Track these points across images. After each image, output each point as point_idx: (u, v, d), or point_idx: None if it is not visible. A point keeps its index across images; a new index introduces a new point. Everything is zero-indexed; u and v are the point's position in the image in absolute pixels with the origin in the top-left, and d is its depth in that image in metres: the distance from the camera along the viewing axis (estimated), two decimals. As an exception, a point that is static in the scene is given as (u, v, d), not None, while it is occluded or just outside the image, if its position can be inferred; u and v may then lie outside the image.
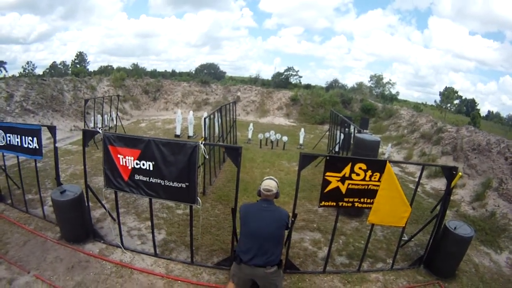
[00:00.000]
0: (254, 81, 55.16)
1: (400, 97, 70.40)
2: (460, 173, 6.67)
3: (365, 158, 6.40)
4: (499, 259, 8.31)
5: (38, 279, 6.10)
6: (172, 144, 5.94)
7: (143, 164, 6.09)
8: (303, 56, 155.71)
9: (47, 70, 72.16)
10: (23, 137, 7.51)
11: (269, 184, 4.96)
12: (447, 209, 7.22)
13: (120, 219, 7.32)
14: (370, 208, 6.36)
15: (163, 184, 6.11)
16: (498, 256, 8.43)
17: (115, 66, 70.60)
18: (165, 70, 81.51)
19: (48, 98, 20.20)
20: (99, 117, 18.40)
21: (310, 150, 18.39)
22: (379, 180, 6.09)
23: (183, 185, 6.02)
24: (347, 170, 5.95)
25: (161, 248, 7.40)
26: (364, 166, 5.97)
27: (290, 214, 5.53)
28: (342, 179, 6.02)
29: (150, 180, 6.17)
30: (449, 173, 6.65)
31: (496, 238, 9.03)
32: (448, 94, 75.09)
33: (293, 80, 71.32)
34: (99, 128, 8.38)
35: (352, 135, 12.43)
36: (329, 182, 6.03)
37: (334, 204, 6.27)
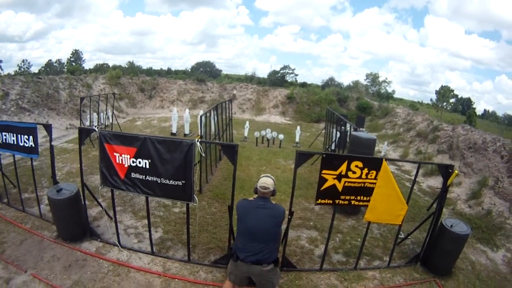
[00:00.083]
0: (250, 79, 55.16)
1: (396, 95, 70.56)
2: (456, 171, 6.68)
3: (361, 156, 6.39)
4: (496, 257, 8.34)
5: (35, 278, 6.10)
6: (168, 142, 5.94)
7: (139, 162, 6.08)
8: (299, 55, 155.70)
9: (43, 69, 71.97)
10: (19, 135, 7.50)
11: (266, 181, 4.96)
12: (444, 207, 7.22)
13: (117, 217, 7.34)
14: (367, 206, 6.37)
15: (159, 182, 6.11)
16: (495, 254, 8.45)
17: (110, 64, 70.39)
18: (161, 68, 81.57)
19: (43, 97, 20.17)
20: (95, 115, 18.38)
21: (306, 148, 18.48)
22: (375, 178, 6.10)
23: (180, 183, 6.02)
24: (343, 168, 5.95)
25: (158, 246, 7.39)
26: (360, 164, 5.97)
27: (287, 213, 5.55)
28: (339, 177, 6.02)
29: (147, 178, 6.17)
30: (445, 171, 6.67)
31: (492, 236, 9.05)
32: (444, 92, 75.18)
33: (289, 78, 71.36)
34: (95, 126, 8.38)
35: (348, 133, 12.44)
36: (325, 180, 6.03)
37: (331, 202, 6.27)
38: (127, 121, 24.60)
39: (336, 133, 14.86)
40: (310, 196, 10.34)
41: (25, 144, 7.48)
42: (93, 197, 7.64)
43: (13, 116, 16.94)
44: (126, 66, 66.16)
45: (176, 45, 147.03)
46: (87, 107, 18.96)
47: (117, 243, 7.22)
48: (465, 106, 78.23)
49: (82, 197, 7.25)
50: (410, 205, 6.81)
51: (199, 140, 5.90)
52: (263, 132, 18.45)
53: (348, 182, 6.08)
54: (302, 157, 5.96)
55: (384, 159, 6.05)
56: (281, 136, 18.32)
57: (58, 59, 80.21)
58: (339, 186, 6.09)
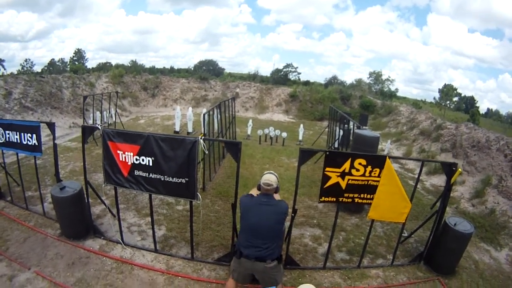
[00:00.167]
0: (253, 77, 55.06)
1: (399, 94, 70.50)
2: (459, 169, 6.65)
3: (365, 153, 6.37)
4: (499, 256, 8.31)
5: (38, 275, 6.11)
6: (171, 140, 5.94)
7: (143, 160, 6.09)
8: (302, 53, 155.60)
9: (46, 68, 72.25)
10: (22, 134, 7.51)
11: (269, 178, 4.96)
12: (447, 205, 7.20)
13: (120, 215, 7.33)
14: (370, 204, 6.35)
15: (162, 179, 6.11)
16: (498, 253, 8.42)
17: (113, 63, 70.54)
18: (164, 67, 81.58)
19: (46, 95, 20.16)
20: (98, 113, 18.36)
21: (310, 146, 18.37)
22: (379, 176, 6.08)
23: (183, 181, 6.02)
24: (347, 165, 5.93)
25: (161, 244, 7.40)
26: (364, 162, 5.95)
27: (290, 210, 5.54)
28: (342, 175, 6.00)
29: (150, 176, 6.17)
30: (449, 169, 6.64)
31: (496, 235, 9.02)
32: (447, 91, 74.98)
33: (292, 76, 71.36)
34: (98, 125, 8.42)
35: (352, 131, 12.41)
36: (329, 178, 6.01)
37: (334, 199, 6.26)
38: (130, 120, 24.60)
39: (339, 131, 14.82)
40: (314, 194, 10.32)
41: (28, 142, 7.49)
42: (97, 195, 7.64)
43: (16, 115, 16.95)
44: (129, 65, 66.12)
45: (178, 44, 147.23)
46: (90, 105, 18.99)
47: (121, 240, 7.23)
48: (468, 104, 78.09)
49: (85, 195, 7.26)
50: (414, 204, 6.81)
51: (203, 137, 5.90)
52: (266, 130, 18.45)
53: (352, 179, 6.06)
54: (305, 155, 5.95)
55: (387, 157, 6.02)
56: (284, 134, 18.34)
57: (61, 58, 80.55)
58: (343, 184, 6.07)
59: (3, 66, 70.24)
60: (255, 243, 4.73)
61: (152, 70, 59.46)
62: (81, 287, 5.94)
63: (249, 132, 19.62)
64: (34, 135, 7.39)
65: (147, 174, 6.18)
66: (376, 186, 6.15)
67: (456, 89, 76.93)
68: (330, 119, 18.29)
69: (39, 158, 8.73)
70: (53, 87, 21.40)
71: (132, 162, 6.18)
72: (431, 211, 8.36)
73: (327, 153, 6.00)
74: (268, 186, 4.91)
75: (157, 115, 26.83)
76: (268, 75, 69.04)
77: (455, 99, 78.09)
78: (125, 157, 6.20)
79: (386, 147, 17.60)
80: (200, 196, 6.21)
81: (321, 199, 6.23)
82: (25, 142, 7.53)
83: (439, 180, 13.09)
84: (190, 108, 20.49)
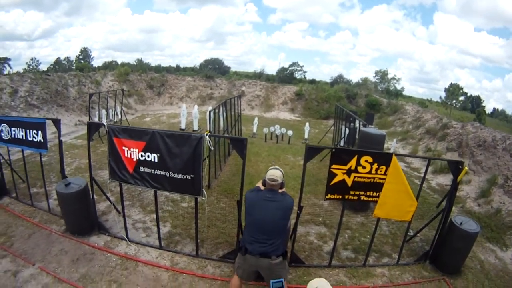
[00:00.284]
0: (259, 76, 54.80)
1: (404, 93, 70.03)
2: (466, 168, 6.60)
3: (371, 150, 6.34)
4: (505, 257, 8.25)
5: (42, 271, 6.12)
6: (177, 136, 5.93)
7: (148, 156, 6.08)
8: (308, 51, 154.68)
9: (52, 66, 72.24)
10: (28, 130, 7.53)
11: (274, 173, 4.91)
12: (453, 204, 7.16)
13: (125, 212, 7.35)
14: (376, 202, 6.31)
15: (168, 176, 6.11)
16: (504, 254, 8.36)
17: (119, 62, 70.52)
18: (170, 65, 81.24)
19: (52, 93, 20.25)
20: (103, 111, 18.38)
21: (316, 145, 18.32)
22: (385, 174, 6.04)
23: (188, 177, 6.00)
24: (353, 162, 5.90)
25: (166, 240, 7.40)
26: (370, 159, 5.92)
27: (295, 208, 5.52)
28: (348, 172, 5.97)
29: (155, 172, 6.17)
30: (455, 167, 6.59)
31: (502, 236, 8.97)
32: (453, 90, 74.72)
33: (297, 75, 70.92)
34: (104, 121, 8.49)
35: (358, 129, 12.36)
36: (335, 175, 5.99)
37: (340, 197, 6.23)
38: (136, 118, 24.66)
39: (345, 130, 14.79)
40: (319, 192, 10.30)
41: (34, 139, 7.50)
42: (102, 191, 7.65)
43: (22, 112, 17.01)
44: (135, 63, 66.12)
45: (184, 43, 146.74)
46: (96, 103, 19.04)
47: (125, 237, 7.23)
48: (474, 104, 77.70)
49: (90, 192, 7.26)
50: (419, 203, 6.78)
51: (208, 134, 5.89)
52: (272, 128, 18.44)
53: (358, 177, 6.03)
54: (311, 152, 5.93)
55: (394, 154, 5.98)
56: (290, 133, 18.32)
57: (67, 57, 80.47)
58: (349, 181, 6.04)
59: (9, 65, 70.39)
60: (259, 239, 4.70)
61: (158, 69, 59.35)
62: (85, 283, 5.94)
63: (254, 130, 19.62)
64: (40, 132, 7.39)
65: (153, 170, 6.17)
66: (382, 184, 6.11)
67: (462, 89, 76.67)
68: (336, 117, 18.27)
69: (44, 155, 8.74)
70: (59, 85, 21.50)
71: (137, 158, 6.18)
72: (437, 210, 8.29)
73: (333, 150, 5.98)
74: (273, 181, 4.86)
75: (163, 113, 26.90)
76: (274, 73, 68.67)
77: (461, 98, 77.80)
78: (130, 154, 6.20)
79: (392, 146, 17.52)
80: (205, 193, 6.19)
81: (327, 197, 6.20)
82: (30, 139, 7.55)
83: (445, 179, 13.04)
84: (196, 106, 20.53)
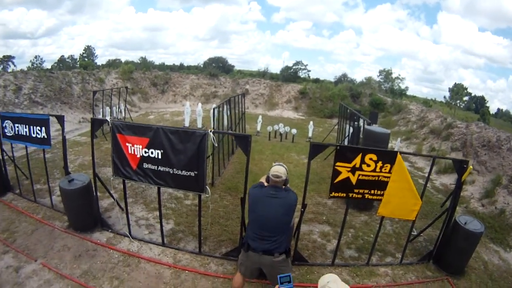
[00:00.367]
0: (263, 74, 54.85)
1: (409, 92, 69.85)
2: (470, 167, 6.59)
3: (375, 148, 6.31)
4: (509, 257, 8.21)
5: (44, 267, 6.13)
6: (181, 132, 5.91)
7: (152, 153, 6.08)
8: (312, 51, 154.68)
9: (55, 64, 72.36)
10: (32, 127, 7.56)
11: (278, 170, 4.85)
12: (457, 204, 7.13)
13: (128, 208, 7.33)
14: (380, 200, 6.29)
15: (171, 172, 6.10)
16: (508, 254, 8.32)
17: (123, 60, 70.54)
18: (174, 64, 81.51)
19: (56, 91, 20.29)
20: (107, 109, 18.40)
21: (319, 144, 18.30)
22: (389, 172, 6.02)
23: (192, 174, 6.00)
24: (357, 160, 5.87)
25: (169, 238, 7.39)
26: (374, 157, 5.89)
27: (299, 206, 5.49)
28: (353, 170, 5.94)
29: (159, 169, 6.16)
30: (460, 166, 6.55)
31: (506, 236, 8.93)
32: (458, 90, 74.47)
33: (301, 74, 70.73)
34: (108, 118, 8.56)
35: (362, 128, 12.32)
36: (339, 173, 5.96)
37: (344, 195, 6.20)
38: (139, 115, 24.71)
39: (349, 129, 14.75)
40: (323, 190, 10.30)
41: (37, 135, 7.53)
42: (105, 187, 7.68)
43: (26, 109, 17.03)
44: (139, 62, 66.26)
45: (188, 41, 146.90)
46: (100, 101, 19.01)
47: (128, 234, 7.24)
48: (478, 104, 77.52)
49: (93, 188, 7.26)
50: (423, 202, 6.71)
51: (212, 130, 5.87)
52: (276, 127, 18.44)
53: (362, 175, 6.00)
54: (316, 149, 5.90)
55: (398, 153, 5.95)
56: (294, 131, 18.30)
57: (71, 55, 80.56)
58: (353, 179, 6.02)
59: (13, 63, 70.80)
60: (262, 235, 4.67)
61: (162, 67, 59.59)
62: (87, 279, 5.94)
63: (258, 129, 19.58)
64: (43, 128, 7.42)
65: (156, 167, 6.17)
66: (387, 182, 6.08)
67: (466, 89, 76.32)
68: (340, 116, 18.21)
69: (48, 152, 8.77)
70: (63, 82, 21.55)
71: (141, 154, 6.17)
72: (441, 209, 8.25)
73: (338, 147, 5.96)
74: (277, 178, 4.80)
75: (167, 111, 26.92)
76: (278, 72, 68.60)
77: (465, 98, 77.52)
78: (134, 150, 6.19)
79: (396, 145, 17.45)
80: (209, 190, 6.20)
81: (331, 195, 6.18)
82: (34, 135, 7.57)
83: (449, 179, 13.01)
84: (200, 104, 20.52)
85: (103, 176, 8.64)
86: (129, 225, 7.27)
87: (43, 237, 7.11)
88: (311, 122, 19.99)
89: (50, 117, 7.46)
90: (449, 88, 78.29)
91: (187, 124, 19.55)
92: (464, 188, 11.38)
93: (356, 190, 6.15)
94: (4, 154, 8.89)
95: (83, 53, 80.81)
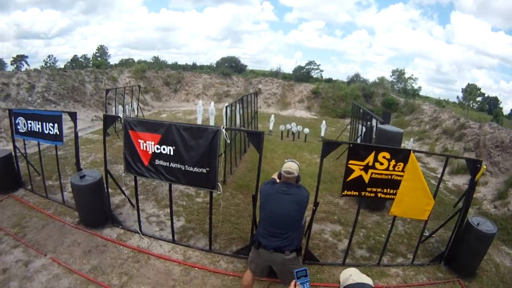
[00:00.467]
0: (275, 74, 54.66)
1: (421, 93, 69.29)
2: (484, 167, 6.51)
3: (389, 146, 6.24)
4: (521, 260, 8.10)
5: (54, 261, 6.17)
6: (193, 129, 5.91)
7: (164, 149, 6.10)
8: (324, 51, 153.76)
9: (69, 64, 72.76)
10: (44, 123, 7.64)
11: (291, 166, 4.81)
12: (470, 205, 7.04)
13: (139, 205, 7.34)
14: (393, 200, 6.23)
15: (183, 169, 6.10)
16: (520, 257, 8.21)
17: (136, 59, 70.82)
18: (186, 63, 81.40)
19: (69, 89, 20.40)
20: (120, 107, 18.51)
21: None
22: (402, 171, 5.96)
23: (204, 170, 6.00)
24: (370, 158, 5.83)
25: (179, 235, 7.40)
26: (387, 155, 5.83)
27: (311, 205, 5.46)
28: (365, 168, 5.90)
29: (170, 165, 6.17)
30: (473, 166, 6.48)
31: (518, 239, 8.81)
32: (471, 91, 73.88)
33: (314, 74, 70.44)
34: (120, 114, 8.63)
35: (374, 128, 12.24)
36: (352, 171, 5.91)
37: (357, 193, 6.15)
38: (152, 114, 24.82)
39: (361, 128, 14.67)
40: (335, 190, 10.28)
41: (50, 131, 7.60)
42: (116, 184, 7.70)
43: (39, 107, 17.08)
44: (152, 61, 66.48)
45: (200, 41, 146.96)
46: (113, 99, 19.11)
47: (139, 230, 7.25)
48: (491, 105, 76.69)
49: (105, 184, 7.28)
50: (436, 203, 6.64)
51: (225, 127, 5.85)
52: (288, 126, 18.46)
53: (375, 173, 5.95)
54: (328, 147, 5.87)
55: (412, 151, 5.89)
56: (306, 130, 18.28)
57: (84, 55, 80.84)
58: (366, 178, 5.97)
59: (26, 62, 71.41)
60: (273, 232, 4.64)
61: (175, 66, 59.51)
62: (96, 275, 5.96)
63: (271, 128, 19.58)
64: (56, 125, 7.49)
65: (168, 163, 6.18)
66: (400, 181, 6.02)
67: (479, 89, 75.69)
68: (353, 116, 18.16)
69: (60, 149, 8.81)
70: (76, 81, 21.68)
71: (153, 151, 6.20)
72: (453, 210, 8.17)
73: (351, 145, 5.91)
74: (289, 174, 4.76)
75: (179, 110, 27.04)
76: (291, 72, 68.36)
77: (479, 99, 76.80)
78: (146, 146, 6.21)
79: (408, 145, 17.35)
80: (220, 187, 6.17)
81: (343, 193, 6.13)
82: (46, 132, 7.65)
83: (462, 180, 12.90)
84: (212, 103, 20.51)
85: (115, 173, 8.70)
86: (139, 221, 7.28)
87: (54, 232, 7.15)
88: (324, 122, 19.87)
89: (63, 114, 7.52)
90: (462, 88, 77.73)
91: (199, 122, 19.57)
92: (477, 189, 11.26)
93: (368, 189, 6.10)
94: (17, 150, 8.96)
95: (96, 52, 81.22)
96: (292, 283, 3.19)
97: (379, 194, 6.17)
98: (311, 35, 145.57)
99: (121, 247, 6.83)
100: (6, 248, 6.50)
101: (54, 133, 7.54)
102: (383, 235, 7.89)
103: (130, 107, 19.79)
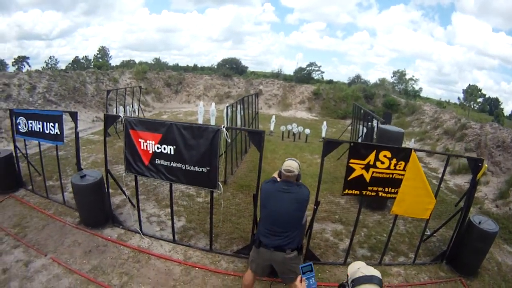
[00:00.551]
0: (276, 76, 54.63)
1: (422, 94, 69.29)
2: (485, 165, 6.51)
3: (390, 145, 6.22)
4: (523, 259, 8.08)
5: (54, 261, 6.18)
6: (194, 128, 5.91)
7: (164, 148, 6.10)
8: (325, 52, 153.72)
9: (70, 65, 72.87)
10: (45, 123, 7.64)
11: (291, 164, 4.79)
12: (471, 204, 7.03)
13: (140, 205, 7.35)
14: (394, 198, 6.21)
15: (183, 168, 6.10)
16: (522, 256, 8.19)
17: (137, 61, 70.88)
18: (187, 65, 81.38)
19: (70, 90, 20.47)
20: (121, 108, 18.55)
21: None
22: (403, 169, 5.94)
23: (204, 170, 6.00)
24: (371, 157, 5.81)
25: (180, 235, 7.40)
26: (388, 154, 5.82)
27: (312, 204, 5.45)
28: (367, 167, 5.88)
29: (171, 165, 6.17)
30: (475, 165, 6.46)
31: (520, 238, 8.79)
32: (472, 91, 73.84)
33: (315, 75, 70.48)
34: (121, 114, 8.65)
35: (375, 129, 12.23)
36: (353, 170, 5.90)
37: (358, 192, 6.13)
38: (153, 115, 24.86)
39: (362, 129, 14.67)
40: (336, 190, 10.26)
41: (50, 131, 7.60)
42: (117, 184, 7.70)
43: (40, 108, 17.12)
44: (153, 62, 66.49)
45: (202, 42, 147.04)
46: (114, 100, 19.16)
47: (139, 230, 7.25)
48: (492, 106, 76.66)
49: (105, 184, 7.29)
50: (437, 202, 6.64)
51: (225, 126, 5.85)
52: (289, 127, 18.47)
53: (376, 172, 5.93)
54: (329, 146, 5.86)
55: (413, 150, 5.87)
56: (307, 131, 18.31)
57: (85, 56, 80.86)
58: (367, 177, 5.95)
59: (28, 64, 71.61)
60: (274, 231, 4.62)
61: (176, 68, 59.56)
62: (96, 275, 5.96)
63: (272, 128, 19.65)
64: (57, 124, 7.49)
65: (168, 162, 6.18)
66: (401, 180, 6.00)
67: (480, 90, 75.64)
68: (354, 116, 18.18)
69: (61, 149, 8.82)
70: (77, 82, 21.74)
71: (153, 150, 6.20)
72: (454, 209, 8.16)
73: (352, 144, 5.89)
74: (289, 172, 4.73)
75: (180, 111, 27.07)
76: (292, 73, 68.39)
77: (479, 100, 76.75)
78: (146, 146, 6.22)
79: (409, 146, 17.30)
80: (221, 186, 6.17)
81: (344, 192, 6.12)
82: (47, 131, 7.64)
83: (463, 180, 12.92)
84: (213, 104, 20.59)
85: (115, 173, 8.70)
86: (140, 221, 7.28)
87: (54, 233, 7.15)
88: (325, 123, 19.96)
89: (64, 114, 7.52)
90: (463, 89, 77.84)
91: (200, 123, 19.61)
92: (478, 189, 11.27)
93: (369, 188, 6.08)
94: (17, 151, 8.96)
95: (97, 54, 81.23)
96: (298, 278, 3.19)
97: (380, 193, 6.15)
98: (312, 36, 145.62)
99: (121, 247, 6.83)
100: (6, 248, 6.50)
101: (55, 133, 7.53)
102: (385, 235, 7.90)
103: (131, 108, 19.84)
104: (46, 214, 7.88)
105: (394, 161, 5.86)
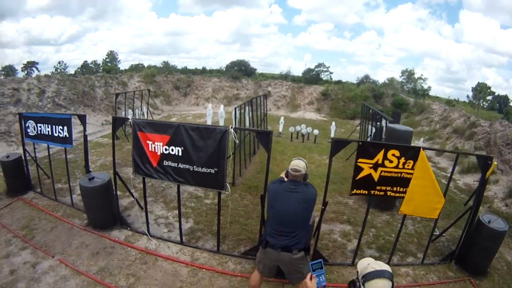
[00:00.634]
0: (285, 77, 54.55)
1: (431, 93, 68.92)
2: (495, 163, 6.44)
3: (398, 144, 6.18)
4: (533, 258, 7.99)
5: (61, 263, 6.22)
6: (201, 129, 5.93)
7: (172, 150, 6.13)
8: (334, 52, 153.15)
9: (79, 70, 73.23)
10: (54, 126, 7.72)
11: (298, 164, 4.78)
12: (481, 203, 6.96)
13: (148, 207, 7.39)
14: (402, 198, 6.16)
15: (191, 169, 6.12)
16: (532, 256, 8.10)
17: (146, 64, 71.12)
18: (196, 68, 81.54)
19: (79, 94, 20.61)
20: (130, 111, 18.61)
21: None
22: (412, 168, 5.89)
23: (212, 171, 6.01)
24: (379, 156, 5.78)
25: (187, 236, 7.40)
26: (397, 153, 5.78)
27: (319, 205, 5.43)
28: (375, 166, 5.85)
29: (179, 166, 6.20)
30: (484, 163, 6.41)
31: (530, 237, 8.70)
32: (481, 89, 73.27)
33: (324, 76, 70.41)
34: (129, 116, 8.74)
35: (384, 128, 12.17)
36: (361, 169, 5.87)
37: (366, 192, 6.10)
38: (162, 118, 24.92)
39: (371, 129, 14.61)
40: (344, 190, 10.18)
41: (59, 134, 7.68)
42: (125, 186, 7.75)
43: (49, 112, 17.23)
44: (161, 66, 66.69)
45: (210, 45, 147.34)
46: (122, 104, 19.29)
47: (147, 232, 7.27)
48: (502, 103, 76.00)
49: (114, 186, 7.32)
50: (446, 201, 6.59)
51: (233, 127, 5.85)
52: (298, 128, 18.43)
53: (385, 171, 5.90)
54: (337, 145, 5.84)
55: (421, 148, 5.82)
56: (316, 132, 18.25)
57: (94, 60, 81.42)
58: (375, 176, 5.92)
59: (37, 69, 72.12)
60: (281, 231, 4.60)
61: (184, 71, 59.64)
62: (103, 276, 5.99)
63: (280, 130, 19.63)
64: (65, 127, 7.57)
65: (176, 164, 6.20)
66: (410, 179, 5.95)
67: (489, 88, 75.02)
68: (362, 116, 18.12)
69: (70, 153, 8.87)
70: (86, 86, 21.89)
71: (161, 152, 6.23)
72: (464, 208, 8.10)
73: (360, 143, 5.87)
74: (296, 172, 4.72)
75: (189, 114, 27.14)
76: (300, 74, 68.25)
77: (489, 98, 76.13)
78: (154, 147, 6.26)
79: (419, 145, 17.22)
80: (229, 187, 6.18)
81: (352, 192, 6.10)
82: (56, 134, 7.72)
83: (472, 179, 12.76)
84: (222, 106, 20.54)
85: (124, 175, 8.71)
86: (148, 223, 7.30)
87: (62, 234, 7.20)
88: (333, 123, 19.89)
89: (72, 118, 7.59)
90: (472, 87, 77.09)
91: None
92: (488, 187, 11.20)
93: (378, 187, 6.05)
94: (26, 154, 9.04)
95: (106, 58, 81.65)
96: (308, 276, 3.20)
97: (388, 193, 6.11)
98: (320, 37, 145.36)
99: (129, 248, 6.85)
100: (14, 250, 6.56)
101: (64, 135, 7.60)
102: (393, 235, 7.85)
103: (140, 111, 19.86)
104: (54, 216, 7.94)
105: (402, 160, 5.83)
